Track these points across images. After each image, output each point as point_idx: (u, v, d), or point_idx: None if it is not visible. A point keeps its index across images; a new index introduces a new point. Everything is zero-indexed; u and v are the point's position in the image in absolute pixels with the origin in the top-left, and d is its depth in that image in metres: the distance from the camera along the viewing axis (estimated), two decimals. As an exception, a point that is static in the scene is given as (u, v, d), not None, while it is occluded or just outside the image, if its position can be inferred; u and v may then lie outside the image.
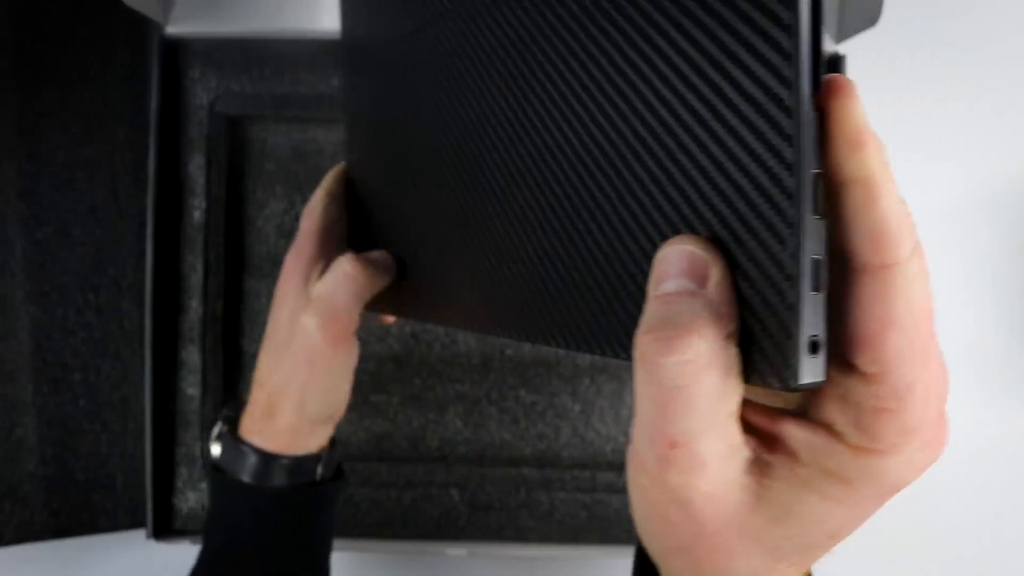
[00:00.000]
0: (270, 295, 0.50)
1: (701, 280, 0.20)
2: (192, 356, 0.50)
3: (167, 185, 0.49)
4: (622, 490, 0.50)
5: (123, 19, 0.49)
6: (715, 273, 0.20)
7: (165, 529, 0.50)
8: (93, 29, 0.49)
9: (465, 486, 0.50)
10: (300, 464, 0.37)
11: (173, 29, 0.49)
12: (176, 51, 0.49)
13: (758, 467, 0.20)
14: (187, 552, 0.52)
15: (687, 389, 0.19)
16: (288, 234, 0.50)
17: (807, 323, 0.18)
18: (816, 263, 0.18)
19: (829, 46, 0.49)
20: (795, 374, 0.19)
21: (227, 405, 0.40)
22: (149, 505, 0.48)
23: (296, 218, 0.50)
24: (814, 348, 0.19)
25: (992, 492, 0.53)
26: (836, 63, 0.49)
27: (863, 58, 0.50)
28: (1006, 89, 0.53)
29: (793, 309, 0.18)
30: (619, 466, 0.51)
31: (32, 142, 0.48)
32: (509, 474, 0.50)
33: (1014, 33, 0.53)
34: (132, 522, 0.50)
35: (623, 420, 0.51)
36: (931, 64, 0.53)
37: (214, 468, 0.38)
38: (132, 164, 0.50)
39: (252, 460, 0.36)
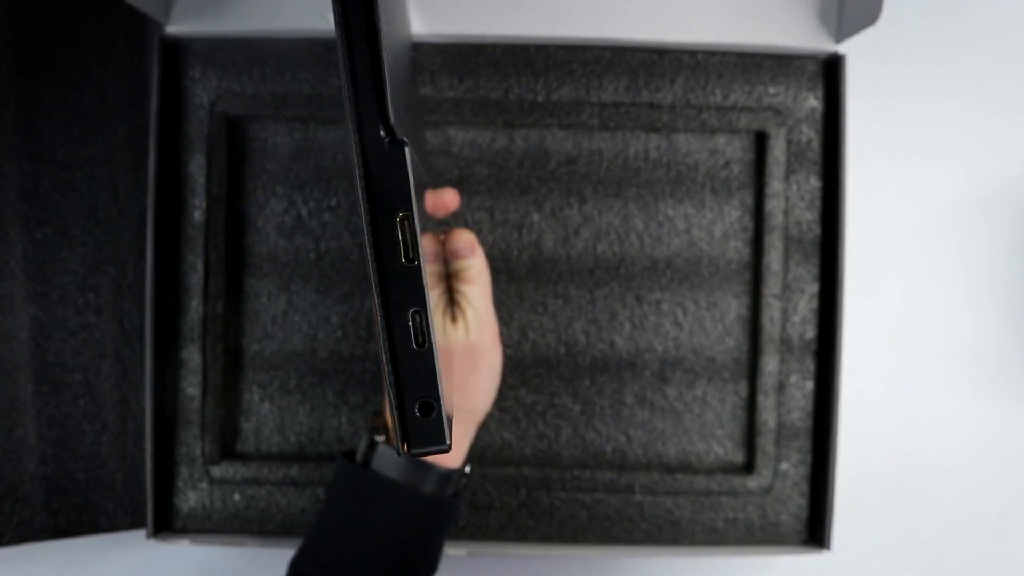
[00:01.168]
0: (270, 295, 0.51)
1: None
2: (192, 356, 0.50)
3: (167, 185, 0.49)
4: (622, 490, 0.50)
5: (123, 18, 0.49)
6: None
7: (165, 529, 0.50)
8: (93, 28, 0.49)
9: (465, 486, 0.50)
10: (449, 476, 0.41)
11: (173, 28, 0.49)
12: (176, 50, 0.49)
13: None
14: (187, 552, 0.52)
15: None
16: (288, 234, 0.50)
17: (409, 382, 0.16)
18: (417, 315, 0.16)
19: (828, 45, 0.49)
20: (404, 440, 0.17)
21: (375, 416, 0.44)
22: (149, 505, 0.48)
23: (297, 217, 0.50)
24: (426, 410, 0.17)
25: (992, 491, 0.53)
26: (835, 63, 0.49)
27: (863, 58, 0.50)
28: (1006, 89, 0.53)
29: (392, 367, 0.16)
30: (619, 466, 0.51)
31: (32, 142, 0.48)
32: (509, 474, 0.50)
33: (1014, 33, 0.53)
34: (132, 522, 0.50)
35: (623, 420, 0.51)
36: (931, 64, 0.53)
37: (363, 464, 0.41)
38: (132, 164, 0.50)
39: (408, 466, 0.40)
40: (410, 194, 0.16)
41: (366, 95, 0.16)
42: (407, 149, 0.16)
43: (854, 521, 0.52)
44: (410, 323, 0.16)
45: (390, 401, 0.17)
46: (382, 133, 0.16)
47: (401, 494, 0.40)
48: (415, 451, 0.17)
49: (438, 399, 0.16)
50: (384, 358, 0.16)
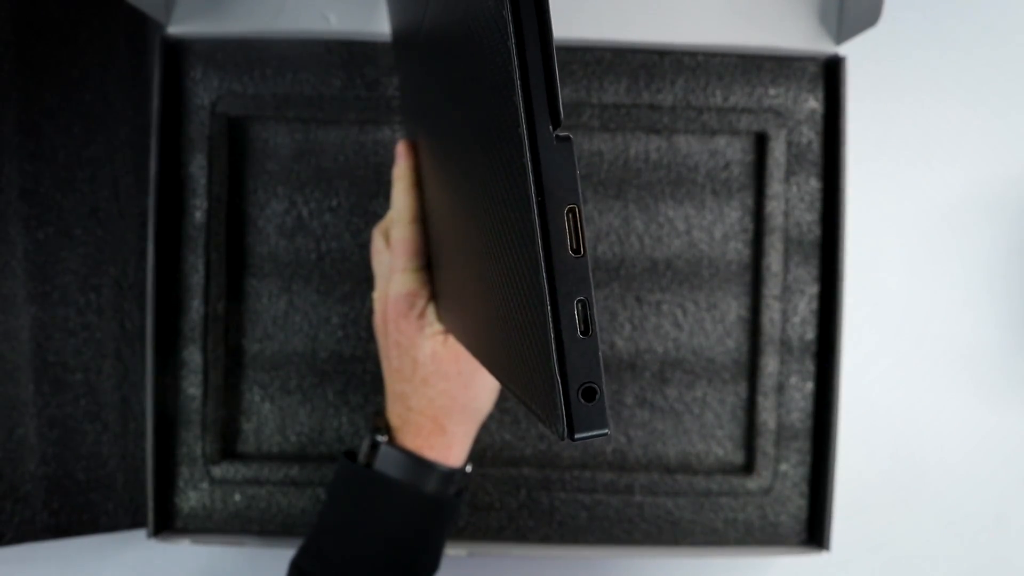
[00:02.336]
0: (271, 295, 0.51)
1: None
2: (193, 356, 0.50)
3: (168, 185, 0.49)
4: (622, 490, 0.50)
5: (125, 19, 0.49)
6: None
7: (166, 529, 0.50)
8: (95, 29, 0.49)
9: (465, 486, 0.50)
10: (451, 475, 0.41)
11: (175, 29, 0.49)
12: (178, 51, 0.49)
13: None
14: (188, 552, 0.52)
15: None
16: (289, 234, 0.50)
17: (574, 368, 0.17)
18: (582, 304, 0.17)
19: (828, 47, 0.49)
20: (567, 425, 0.17)
21: (376, 416, 0.43)
22: (150, 505, 0.48)
23: (298, 218, 0.50)
24: (589, 395, 0.17)
25: (992, 491, 0.53)
26: (835, 65, 0.49)
27: (863, 58, 0.51)
28: (1006, 90, 0.53)
29: (557, 354, 0.17)
30: (619, 466, 0.51)
31: (33, 142, 0.48)
32: (509, 474, 0.50)
33: (1014, 34, 0.53)
34: (132, 522, 0.50)
35: (623, 421, 0.51)
36: (931, 65, 0.53)
37: (366, 464, 0.41)
38: (133, 164, 0.50)
39: (411, 465, 0.40)
40: (577, 187, 0.17)
41: (537, 90, 0.16)
42: (572, 143, 0.17)
43: (854, 521, 0.52)
44: (575, 312, 0.17)
45: (555, 387, 0.17)
46: (551, 128, 0.16)
47: (403, 493, 0.40)
48: (579, 435, 0.17)
49: (601, 384, 0.17)
50: (551, 346, 0.17)
